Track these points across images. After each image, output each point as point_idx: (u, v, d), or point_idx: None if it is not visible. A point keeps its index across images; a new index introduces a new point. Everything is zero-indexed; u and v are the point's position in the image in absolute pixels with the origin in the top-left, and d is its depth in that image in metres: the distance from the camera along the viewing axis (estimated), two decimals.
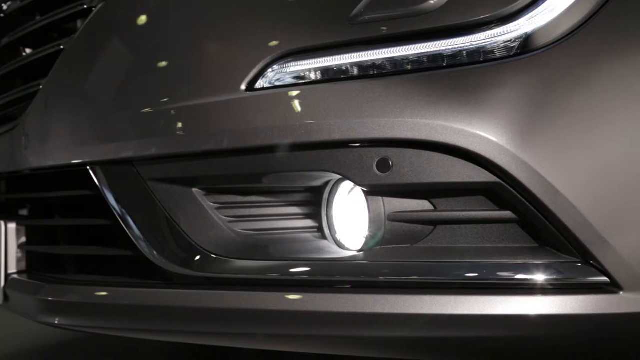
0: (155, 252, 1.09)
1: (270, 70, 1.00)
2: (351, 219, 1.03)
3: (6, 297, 1.36)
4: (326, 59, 0.97)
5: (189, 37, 1.09)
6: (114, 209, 1.12)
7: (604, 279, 0.90)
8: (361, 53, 0.96)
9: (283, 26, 1.02)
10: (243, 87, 1.01)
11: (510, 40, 0.91)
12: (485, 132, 0.90)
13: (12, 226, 1.38)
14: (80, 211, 1.28)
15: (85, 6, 1.22)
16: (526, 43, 0.90)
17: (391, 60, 0.94)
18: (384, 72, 0.95)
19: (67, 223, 1.31)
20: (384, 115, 0.93)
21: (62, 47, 1.24)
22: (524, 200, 0.90)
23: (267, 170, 1.03)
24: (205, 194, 1.08)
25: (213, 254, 1.05)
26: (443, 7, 0.92)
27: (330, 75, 0.97)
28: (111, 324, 1.16)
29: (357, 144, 0.96)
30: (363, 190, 0.99)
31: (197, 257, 1.06)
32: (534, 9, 0.91)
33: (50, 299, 1.21)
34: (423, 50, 0.93)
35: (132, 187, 1.11)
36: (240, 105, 1.00)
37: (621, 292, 0.90)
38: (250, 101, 1.00)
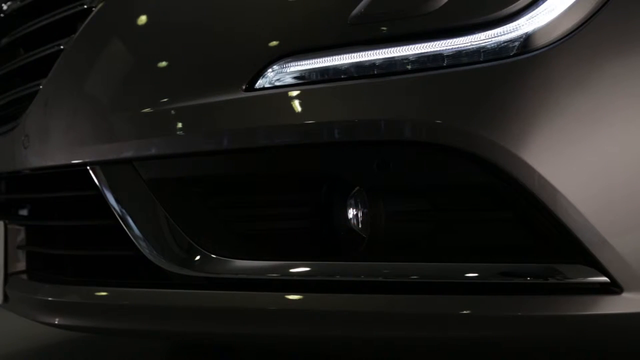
0: (155, 252, 1.09)
1: (270, 70, 1.00)
2: (351, 218, 1.03)
3: (6, 297, 1.35)
4: (326, 59, 0.97)
5: (188, 37, 1.09)
6: (114, 209, 1.12)
7: (604, 279, 0.90)
8: (361, 53, 0.96)
9: (283, 26, 1.02)
10: (243, 87, 1.01)
11: (510, 40, 0.91)
12: (485, 132, 0.90)
13: (12, 226, 1.38)
14: (80, 211, 1.28)
15: (85, 6, 1.22)
16: (526, 43, 0.90)
17: (391, 60, 0.94)
18: (383, 72, 0.95)
19: (67, 223, 1.31)
20: (383, 115, 0.93)
21: (62, 47, 1.24)
22: (524, 200, 0.90)
23: (267, 170, 1.03)
24: (205, 194, 1.08)
25: (213, 254, 1.05)
26: (443, 7, 0.92)
27: (330, 76, 0.97)
28: (111, 324, 1.16)
29: (357, 144, 0.96)
30: (363, 190, 0.99)
31: (197, 257, 1.06)
32: (534, 9, 0.91)
33: (50, 299, 1.21)
34: (423, 51, 0.93)
35: (132, 187, 1.11)
36: (240, 105, 1.00)
37: (621, 293, 0.90)
38: (250, 101, 1.00)
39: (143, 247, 1.10)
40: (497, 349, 0.98)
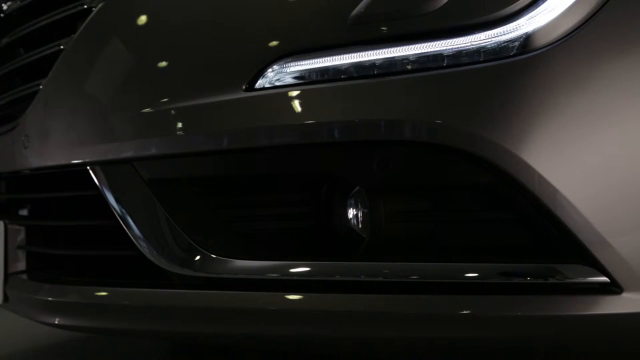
0: (155, 252, 1.09)
1: (270, 70, 1.00)
2: (351, 218, 1.03)
3: (6, 297, 1.35)
4: (326, 59, 0.97)
5: (188, 37, 1.09)
6: (114, 209, 1.12)
7: (604, 279, 0.90)
8: (361, 53, 0.96)
9: (283, 26, 1.02)
10: (243, 87, 1.01)
11: (510, 40, 0.91)
12: (485, 132, 0.90)
13: (12, 226, 1.38)
14: (80, 211, 1.28)
15: (85, 6, 1.22)
16: (526, 43, 0.90)
17: (391, 60, 0.94)
18: (383, 72, 0.95)
19: (67, 223, 1.31)
20: (383, 115, 0.93)
21: (62, 47, 1.24)
22: (524, 200, 0.90)
23: (267, 170, 1.03)
24: (205, 194, 1.08)
25: (213, 254, 1.05)
26: (443, 7, 0.92)
27: (330, 76, 0.97)
28: (111, 324, 1.16)
29: (357, 144, 0.96)
30: (363, 190, 0.99)
31: (197, 257, 1.06)
32: (534, 9, 0.91)
33: (50, 299, 1.21)
34: (423, 51, 0.93)
35: (132, 187, 1.11)
36: (240, 105, 1.00)
37: (621, 293, 0.90)
38: (250, 101, 1.00)
39: (143, 247, 1.10)
40: (497, 349, 0.98)
